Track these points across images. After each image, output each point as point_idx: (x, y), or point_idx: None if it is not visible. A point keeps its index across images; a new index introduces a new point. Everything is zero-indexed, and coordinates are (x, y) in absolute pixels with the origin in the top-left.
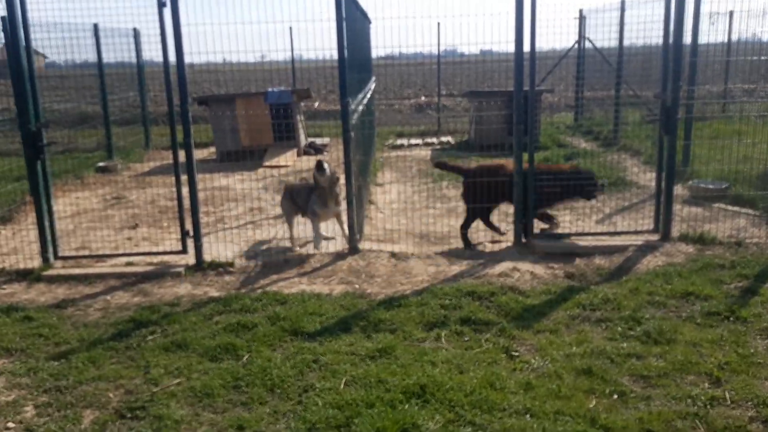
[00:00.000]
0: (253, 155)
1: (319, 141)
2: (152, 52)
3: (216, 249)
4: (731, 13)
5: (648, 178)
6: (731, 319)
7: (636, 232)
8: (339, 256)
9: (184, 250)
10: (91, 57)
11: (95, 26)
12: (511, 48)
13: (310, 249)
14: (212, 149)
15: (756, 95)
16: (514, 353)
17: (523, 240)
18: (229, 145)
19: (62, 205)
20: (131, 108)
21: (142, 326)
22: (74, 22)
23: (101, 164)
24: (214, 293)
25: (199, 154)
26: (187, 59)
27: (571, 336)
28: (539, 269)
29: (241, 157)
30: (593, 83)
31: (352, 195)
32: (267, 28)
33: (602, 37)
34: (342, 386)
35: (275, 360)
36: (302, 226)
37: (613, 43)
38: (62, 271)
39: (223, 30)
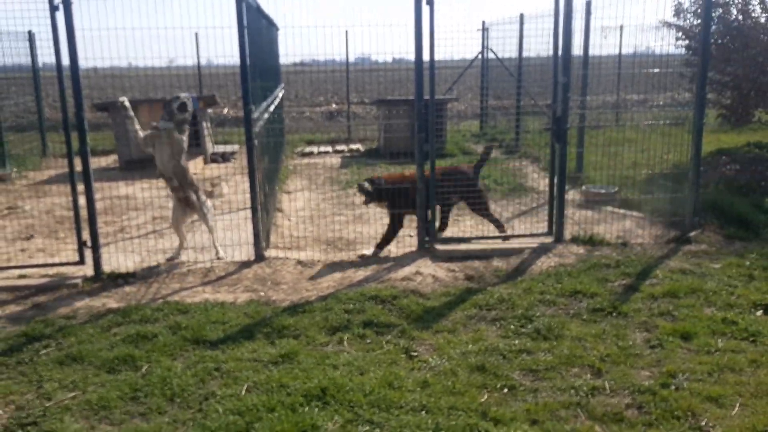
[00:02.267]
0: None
1: (229, 149)
2: (51, 57)
3: (116, 259)
4: (621, 28)
5: (546, 183)
6: (614, 314)
7: (532, 235)
8: (245, 264)
9: (81, 261)
10: None
11: None
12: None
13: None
14: (115, 157)
15: (646, 105)
16: (413, 353)
17: (427, 245)
18: (133, 153)
19: None
20: (28, 114)
21: (35, 340)
22: None
23: None
24: (113, 304)
25: (101, 161)
26: (88, 63)
27: (468, 335)
28: (441, 272)
29: (145, 165)
30: (498, 92)
31: (257, 203)
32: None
33: (504, 48)
34: (243, 392)
35: (175, 369)
36: (199, 235)
37: (514, 54)
38: None
39: (127, 34)
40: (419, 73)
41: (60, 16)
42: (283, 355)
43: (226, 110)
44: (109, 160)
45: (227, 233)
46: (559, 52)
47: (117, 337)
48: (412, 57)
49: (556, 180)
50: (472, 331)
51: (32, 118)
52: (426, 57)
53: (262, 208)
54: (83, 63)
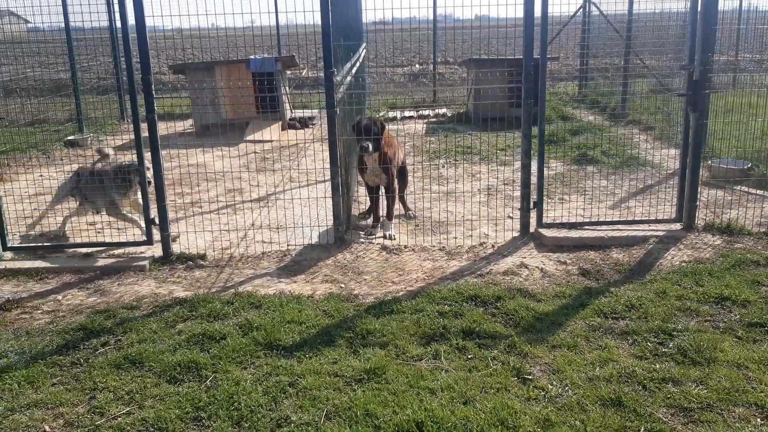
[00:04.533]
0: (234, 128)
1: (308, 113)
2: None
3: (186, 239)
4: None
5: (662, 156)
6: None
7: (656, 221)
8: (324, 248)
9: (149, 241)
10: (71, 21)
11: None
12: (509, 13)
13: (290, 239)
14: (191, 122)
15: (763, 66)
16: (527, 376)
17: (531, 230)
18: (209, 118)
19: (23, 183)
20: (109, 76)
21: (93, 335)
22: None
23: (70, 138)
24: (180, 293)
25: (178, 126)
26: (173, 23)
27: (593, 353)
28: (550, 265)
29: (220, 131)
30: (596, 51)
31: (337, 179)
32: None
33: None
34: (323, 420)
35: (245, 383)
36: (274, 212)
37: (621, 7)
38: (11, 265)
39: None
40: (529, 26)
41: None
42: (368, 370)
43: (305, 71)
44: (187, 125)
45: (304, 210)
46: (699, 4)
47: (182, 336)
48: (496, 14)
49: (689, 156)
50: (597, 347)
51: (112, 80)
52: (537, 11)
53: (343, 184)
54: (166, 23)
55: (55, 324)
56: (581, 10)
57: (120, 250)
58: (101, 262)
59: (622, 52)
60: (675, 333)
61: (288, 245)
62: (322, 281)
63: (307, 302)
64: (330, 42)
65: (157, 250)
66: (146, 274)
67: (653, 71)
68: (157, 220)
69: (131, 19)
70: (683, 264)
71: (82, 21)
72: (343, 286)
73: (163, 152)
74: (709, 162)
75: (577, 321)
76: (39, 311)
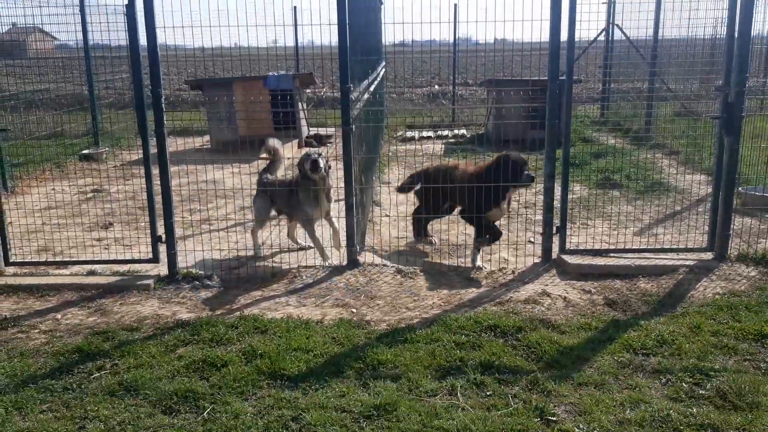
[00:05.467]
0: (250, 145)
1: (324, 131)
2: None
3: (194, 257)
4: None
5: (689, 181)
6: None
7: (686, 249)
8: (336, 269)
9: (155, 259)
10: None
11: (81, 1)
12: (534, 37)
13: (286, 260)
14: (207, 138)
15: None
16: (550, 417)
17: (553, 256)
18: (225, 134)
19: (35, 196)
20: (127, 91)
21: (89, 358)
22: None
23: (85, 151)
24: (183, 314)
25: (195, 142)
26: (195, 43)
27: (623, 393)
28: (574, 294)
29: (237, 147)
30: (617, 74)
31: (352, 199)
32: (273, 10)
33: (633, 25)
34: None
35: (244, 416)
36: (276, 231)
37: (644, 32)
38: (12, 281)
39: (230, 13)
40: (555, 44)
41: None
42: (378, 406)
43: (324, 90)
44: (204, 140)
45: (317, 229)
46: (736, 24)
47: (181, 362)
48: (517, 37)
49: (722, 182)
50: (627, 386)
51: (130, 95)
52: (563, 28)
53: (358, 204)
54: (187, 42)
55: (51, 345)
56: (604, 32)
57: (125, 267)
58: (104, 280)
59: (645, 76)
60: (712, 373)
61: (299, 266)
62: (332, 305)
63: (316, 328)
64: (346, 57)
65: (163, 269)
66: (150, 293)
67: (678, 95)
68: (164, 238)
69: (143, 39)
70: (717, 296)
71: (101, 38)
72: (354, 311)
73: (176, 168)
74: (740, 189)
75: (605, 356)
76: (36, 330)
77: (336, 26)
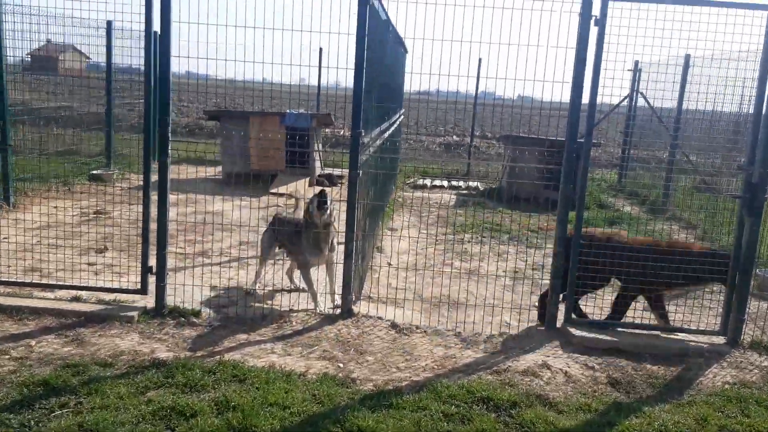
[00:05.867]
0: (261, 179)
1: (337, 171)
2: (180, 63)
3: (183, 291)
4: None
5: None
6: None
7: (697, 331)
8: (328, 318)
9: (143, 290)
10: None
11: (108, 24)
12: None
13: (283, 302)
14: (219, 168)
15: None
16: None
17: (557, 325)
18: (237, 166)
19: (35, 214)
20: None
21: (54, 393)
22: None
23: (95, 171)
24: (162, 353)
25: (207, 171)
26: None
27: None
28: (576, 369)
29: (246, 180)
30: (637, 142)
31: (352, 246)
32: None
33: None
34: None
35: None
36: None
37: (668, 102)
38: None
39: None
40: (576, 105)
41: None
42: None
43: (343, 131)
44: (216, 171)
45: (313, 273)
46: (764, 103)
47: (149, 407)
48: (537, 95)
49: (740, 264)
50: None
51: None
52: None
53: (358, 251)
54: (214, 73)
55: (18, 374)
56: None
57: (111, 296)
58: (87, 308)
59: (666, 145)
60: None
61: (291, 309)
62: (319, 357)
63: (297, 382)
64: (360, 102)
65: (150, 301)
66: (132, 326)
67: (699, 169)
68: (154, 269)
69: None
70: (727, 386)
71: (130, 62)
72: (341, 365)
73: (182, 196)
74: (757, 271)
75: None
76: (6, 357)
77: (353, 65)
